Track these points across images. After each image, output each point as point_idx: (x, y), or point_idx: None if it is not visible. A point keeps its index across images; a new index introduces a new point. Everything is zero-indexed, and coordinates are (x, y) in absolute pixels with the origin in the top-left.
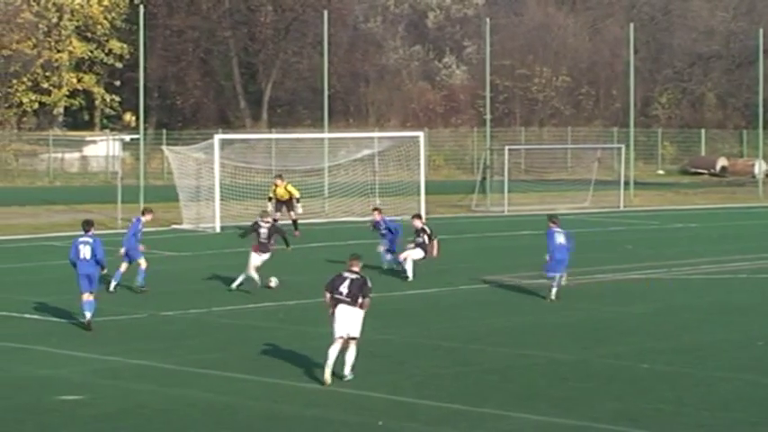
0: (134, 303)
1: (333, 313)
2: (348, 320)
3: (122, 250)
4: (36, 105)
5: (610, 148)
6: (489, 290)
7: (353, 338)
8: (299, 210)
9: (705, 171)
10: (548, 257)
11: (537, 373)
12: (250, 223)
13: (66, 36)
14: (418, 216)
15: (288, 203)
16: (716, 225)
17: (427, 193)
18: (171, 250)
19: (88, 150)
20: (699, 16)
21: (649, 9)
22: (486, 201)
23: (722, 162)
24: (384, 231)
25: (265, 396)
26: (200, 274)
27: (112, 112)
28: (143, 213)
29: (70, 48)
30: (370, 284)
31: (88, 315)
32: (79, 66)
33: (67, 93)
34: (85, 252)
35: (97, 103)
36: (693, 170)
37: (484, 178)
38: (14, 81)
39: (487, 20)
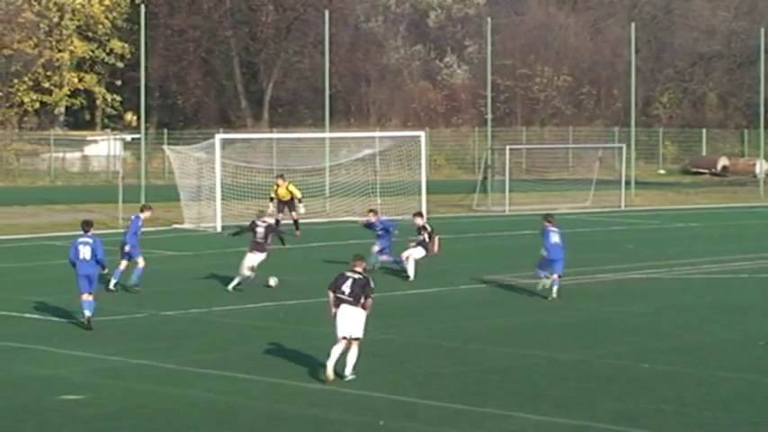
0: (134, 303)
1: (335, 313)
2: (350, 321)
3: (127, 247)
4: (37, 105)
5: (611, 147)
6: (490, 290)
7: (356, 339)
8: (301, 210)
9: (706, 171)
10: (545, 253)
11: (538, 372)
12: (246, 224)
13: (67, 36)
14: (419, 214)
15: (289, 204)
16: (717, 225)
17: (428, 192)
18: (172, 250)
19: (89, 150)
20: (700, 16)
21: (651, 8)
22: (487, 200)
23: (723, 162)
24: (380, 232)
25: (266, 396)
26: (201, 274)
27: (113, 112)
28: (142, 210)
29: (71, 47)
30: (372, 285)
31: (87, 314)
32: (80, 65)
33: (68, 92)
34: (85, 252)
35: (98, 102)
36: (694, 170)
37: (485, 178)
38: (15, 81)
39: (489, 19)
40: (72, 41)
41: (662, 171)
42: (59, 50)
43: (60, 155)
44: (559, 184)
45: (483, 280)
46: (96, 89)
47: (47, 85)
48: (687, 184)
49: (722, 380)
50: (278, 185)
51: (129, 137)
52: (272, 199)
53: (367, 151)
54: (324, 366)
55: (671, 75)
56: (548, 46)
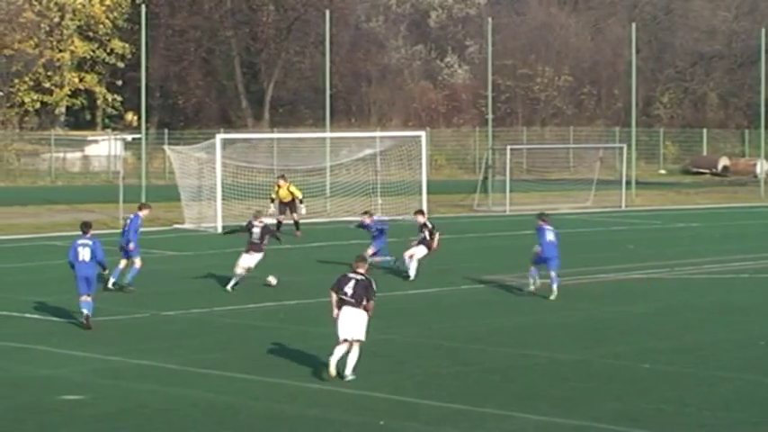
0: (135, 303)
1: (336, 315)
2: (352, 323)
3: (131, 245)
4: (38, 105)
5: (612, 147)
6: (490, 290)
7: (357, 341)
8: (303, 211)
9: (707, 171)
10: (538, 249)
11: (538, 372)
12: (243, 224)
13: (67, 36)
14: (421, 212)
15: (291, 205)
16: (718, 225)
17: (429, 192)
18: (172, 250)
19: (90, 150)
20: (701, 16)
21: (651, 9)
22: (487, 200)
23: (724, 162)
24: (375, 233)
25: (267, 396)
26: (202, 274)
27: (114, 112)
28: (140, 209)
29: (72, 47)
30: (375, 287)
31: (86, 312)
32: (81, 65)
33: (69, 92)
34: (84, 254)
35: (99, 102)
36: (695, 170)
37: (486, 178)
38: (16, 81)
39: (489, 19)
40: (73, 41)
41: (663, 171)
42: (60, 50)
43: (61, 155)
44: (560, 185)
45: (483, 280)
46: (97, 89)
47: (47, 85)
48: (688, 185)
49: (723, 380)
50: (279, 186)
51: (129, 137)
52: (272, 200)
53: (368, 151)
54: (326, 365)
55: (672, 75)
56: (548, 46)
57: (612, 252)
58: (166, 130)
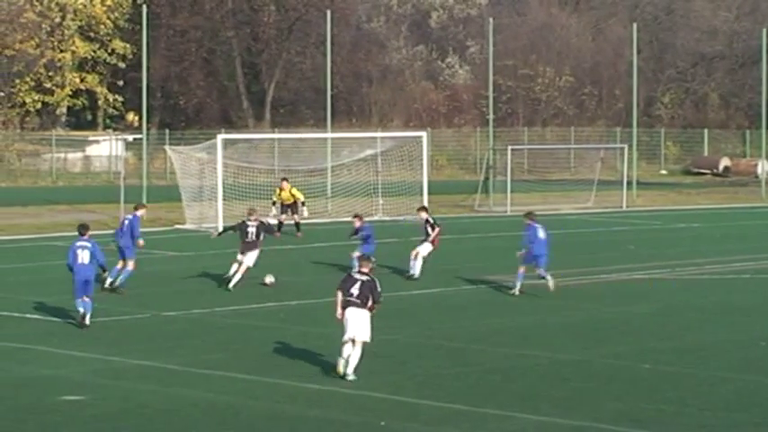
0: (136, 303)
1: (341, 314)
2: (357, 323)
3: (140, 242)
4: (39, 105)
5: (613, 148)
6: (491, 290)
7: (363, 342)
8: (305, 213)
9: (708, 171)
10: (522, 252)
11: (539, 373)
12: (236, 223)
13: (69, 36)
14: (424, 208)
15: (292, 206)
16: (719, 225)
17: (430, 193)
18: (173, 250)
19: (91, 150)
20: (702, 16)
21: (652, 9)
22: (488, 201)
23: (725, 162)
24: (365, 236)
25: (267, 396)
26: (203, 274)
27: (115, 112)
28: (136, 209)
29: (73, 47)
30: (380, 288)
31: (82, 310)
32: (82, 65)
33: (70, 92)
34: (84, 257)
35: (100, 102)
36: (696, 170)
37: (487, 178)
38: (17, 81)
39: (490, 20)
40: (74, 42)
41: (664, 171)
42: (61, 51)
43: (62, 155)
44: (561, 185)
45: (484, 280)
46: (98, 89)
47: (49, 85)
48: (689, 185)
49: (724, 380)
50: (282, 189)
51: (130, 137)
52: (274, 203)
53: (369, 151)
54: (335, 365)
55: (673, 75)
56: (549, 46)
57: (613, 252)
58: (167, 131)
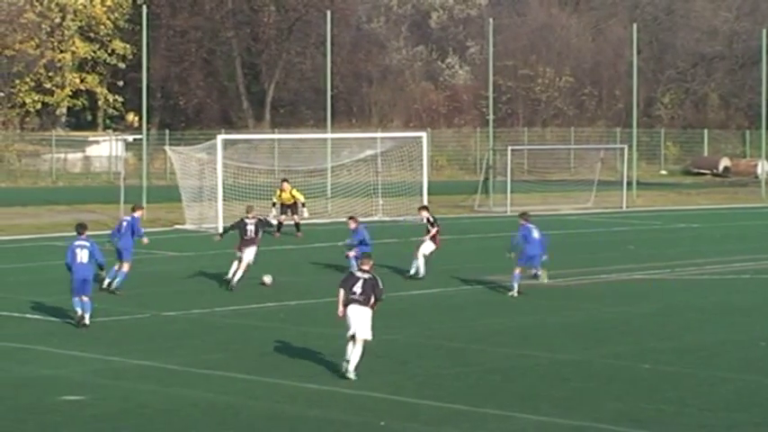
0: (136, 303)
1: (342, 312)
2: (359, 320)
3: (145, 240)
4: (39, 106)
5: (613, 148)
6: (491, 290)
7: (364, 340)
8: (306, 214)
9: (708, 171)
10: (523, 250)
11: (539, 373)
12: (235, 222)
13: (69, 36)
14: (424, 208)
15: (292, 207)
16: (719, 225)
17: (430, 193)
18: (173, 250)
19: (91, 151)
20: (702, 16)
21: (652, 9)
22: (488, 201)
23: (725, 162)
24: (359, 242)
25: (267, 396)
26: (203, 275)
27: (115, 113)
28: (134, 210)
29: (73, 48)
30: (382, 286)
31: (79, 311)
32: (82, 66)
33: (70, 93)
34: (82, 256)
35: (100, 103)
36: (696, 170)
37: (486, 179)
38: (17, 81)
39: (490, 20)
40: (74, 42)
41: (663, 172)
42: (61, 51)
43: (62, 155)
44: (561, 185)
45: (484, 280)
46: (98, 90)
47: (48, 85)
48: (689, 185)
49: (724, 380)
50: (282, 190)
51: (130, 137)
52: (274, 204)
53: (369, 152)
54: (342, 365)
55: (673, 75)
56: (549, 47)
57: (613, 252)
58: (167, 131)
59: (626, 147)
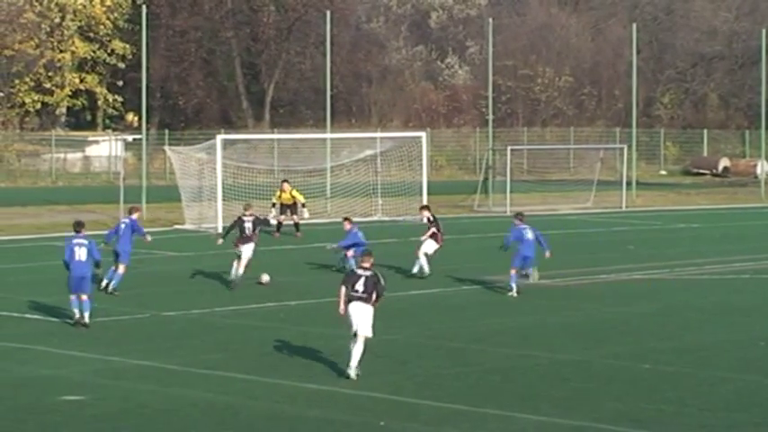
0: (136, 303)
1: (344, 310)
2: (360, 317)
3: (148, 238)
4: (38, 105)
5: (612, 148)
6: (491, 290)
7: (365, 337)
8: (306, 215)
9: (707, 171)
10: (517, 251)
11: (538, 373)
12: (233, 221)
13: (68, 36)
14: (425, 207)
15: (292, 207)
16: (718, 225)
17: (429, 193)
18: (173, 250)
19: (90, 150)
20: (701, 16)
21: (652, 9)
22: (488, 201)
23: (724, 162)
24: (353, 244)
25: (267, 396)
26: (202, 275)
27: (115, 113)
28: (130, 212)
29: (73, 48)
30: (383, 283)
31: (77, 312)
32: (82, 66)
33: (70, 93)
34: (81, 253)
35: (100, 103)
36: (696, 170)
37: (486, 178)
38: (17, 81)
39: (490, 20)
40: (73, 42)
41: (663, 172)
42: (61, 51)
43: (61, 155)
44: (560, 185)
45: (484, 280)
46: (98, 90)
47: (48, 85)
48: (688, 185)
49: (723, 380)
50: (282, 191)
51: (130, 137)
52: (273, 205)
53: (368, 152)
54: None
55: (672, 75)
56: (549, 46)
57: (613, 253)
58: (167, 131)
59: (625, 147)
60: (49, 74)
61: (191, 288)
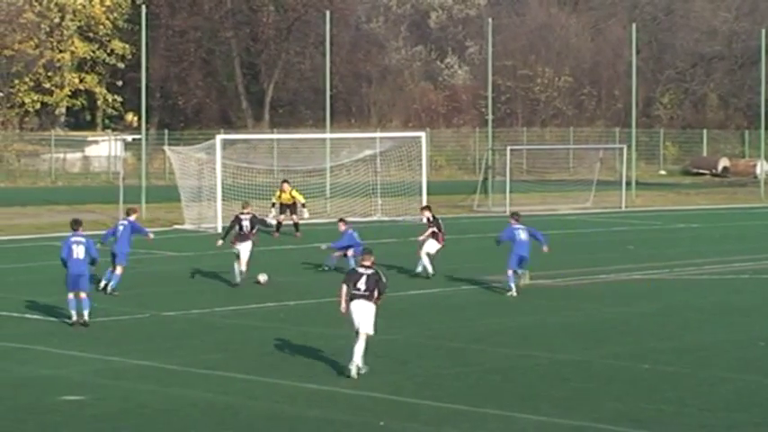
0: (136, 303)
1: (345, 308)
2: (362, 315)
3: (151, 235)
4: (38, 105)
5: (612, 148)
6: (491, 290)
7: (366, 334)
8: (306, 215)
9: (707, 171)
10: (512, 250)
11: (538, 373)
12: (231, 221)
13: (68, 36)
14: (427, 208)
15: (291, 206)
16: (718, 225)
17: (429, 193)
18: (172, 250)
19: (90, 150)
20: (701, 16)
21: (652, 9)
22: (487, 201)
23: (724, 162)
24: (348, 246)
25: (266, 396)
26: (202, 275)
27: (114, 113)
28: (128, 214)
29: (72, 48)
30: (385, 280)
31: (74, 313)
32: (81, 66)
33: (69, 93)
34: (78, 251)
35: (99, 103)
36: (695, 170)
37: (486, 178)
38: (17, 81)
39: (490, 20)
40: (73, 42)
41: (663, 172)
42: (60, 51)
43: (61, 155)
44: (560, 185)
45: (484, 281)
46: (97, 90)
47: (48, 85)
48: (688, 185)
49: (723, 380)
50: (282, 191)
51: (129, 137)
52: (273, 204)
53: (368, 152)
54: (350, 362)
55: (672, 75)
56: (549, 47)
57: (613, 253)
58: (166, 131)
59: (625, 147)
60: (49, 74)
61: (190, 288)
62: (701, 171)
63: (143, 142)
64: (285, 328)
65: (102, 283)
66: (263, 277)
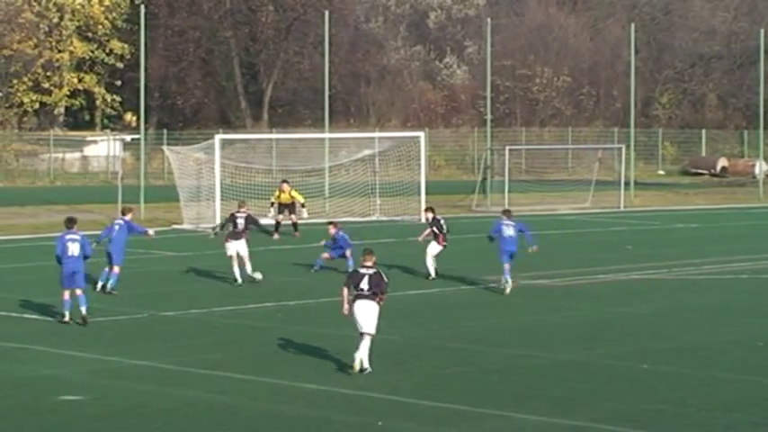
0: (134, 303)
1: (347, 310)
2: (366, 315)
3: (150, 232)
4: (37, 105)
5: (610, 148)
6: (490, 290)
7: (369, 334)
8: (305, 215)
9: (706, 171)
10: (501, 246)
11: (537, 373)
12: (227, 218)
13: (66, 36)
14: (430, 209)
15: (290, 206)
16: (717, 225)
17: (428, 193)
18: (171, 250)
19: (89, 150)
20: (700, 16)
21: (650, 9)
22: (486, 201)
23: (723, 162)
24: (341, 245)
25: (265, 396)
26: (201, 274)
27: (113, 112)
28: (124, 213)
29: (71, 48)
30: (386, 279)
31: (67, 313)
32: (80, 66)
33: (68, 93)
34: (74, 249)
35: (98, 103)
36: (694, 170)
37: (484, 178)
38: (15, 81)
39: (488, 20)
40: (72, 42)
41: (661, 172)
42: (59, 51)
43: (60, 155)
44: (559, 185)
45: (483, 281)
46: (96, 89)
47: (46, 85)
48: (686, 185)
49: (722, 381)
50: (282, 191)
51: (128, 137)
52: (272, 204)
53: (366, 152)
54: (352, 361)
55: (670, 75)
56: (547, 46)
57: (611, 253)
58: (165, 131)
59: (624, 147)
60: (48, 74)
61: (189, 288)
62: (700, 171)
63: (142, 142)
64: (284, 327)
65: (100, 284)
66: (258, 275)
